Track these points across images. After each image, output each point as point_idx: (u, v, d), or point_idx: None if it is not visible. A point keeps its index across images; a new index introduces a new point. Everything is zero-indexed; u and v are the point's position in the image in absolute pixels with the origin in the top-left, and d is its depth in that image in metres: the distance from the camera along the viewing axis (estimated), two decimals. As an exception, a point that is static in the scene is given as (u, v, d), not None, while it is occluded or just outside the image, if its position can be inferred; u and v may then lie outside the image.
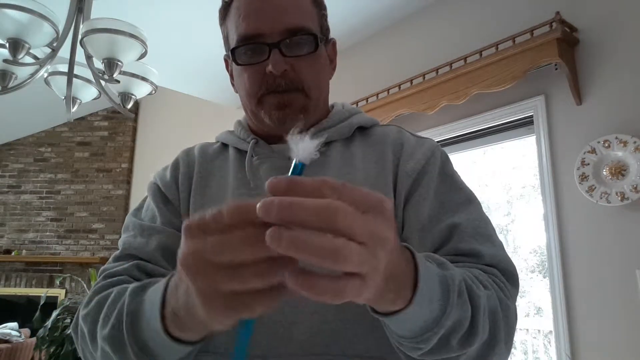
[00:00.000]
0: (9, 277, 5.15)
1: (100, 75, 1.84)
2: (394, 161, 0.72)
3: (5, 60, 1.69)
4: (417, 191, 0.69)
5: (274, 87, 0.70)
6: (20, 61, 1.69)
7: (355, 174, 0.71)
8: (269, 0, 0.70)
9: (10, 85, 1.82)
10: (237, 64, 0.73)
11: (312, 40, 0.71)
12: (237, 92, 0.78)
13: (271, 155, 0.75)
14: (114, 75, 1.79)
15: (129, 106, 2.05)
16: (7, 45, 1.65)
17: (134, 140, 5.21)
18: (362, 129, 0.79)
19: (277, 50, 0.69)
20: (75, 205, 5.20)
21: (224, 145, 0.82)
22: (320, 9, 0.77)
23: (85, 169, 5.20)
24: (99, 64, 1.82)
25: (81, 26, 1.76)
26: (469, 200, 0.70)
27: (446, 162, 0.74)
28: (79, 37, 1.75)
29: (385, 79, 2.82)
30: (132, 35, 1.73)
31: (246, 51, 0.71)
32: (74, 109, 2.03)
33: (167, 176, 0.78)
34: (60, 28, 1.71)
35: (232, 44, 0.73)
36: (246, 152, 0.76)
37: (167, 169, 0.80)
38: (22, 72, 1.81)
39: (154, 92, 2.11)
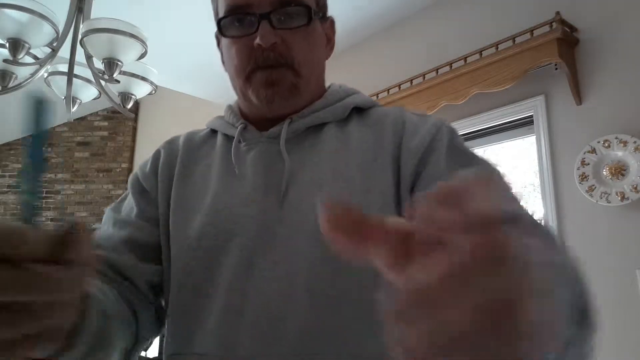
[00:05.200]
0: (9, 277, 5.15)
1: (100, 75, 1.84)
2: (394, 141, 0.66)
3: (5, 60, 1.69)
4: (425, 171, 0.62)
5: (262, 61, 0.65)
6: (20, 61, 1.69)
7: (349, 158, 0.66)
8: None
9: (10, 85, 1.82)
10: (224, 35, 0.68)
11: (305, 13, 0.66)
12: (226, 71, 0.73)
13: (259, 141, 0.70)
14: (114, 75, 1.79)
15: (129, 106, 2.05)
16: (7, 45, 1.66)
17: (134, 140, 5.21)
18: (360, 111, 0.73)
19: (266, 22, 0.64)
20: (75, 205, 5.20)
21: (213, 132, 0.78)
22: None
23: (85, 169, 5.20)
24: (99, 64, 1.82)
25: (81, 26, 1.76)
26: (488, 170, 0.61)
27: (454, 136, 0.67)
28: (79, 37, 1.76)
29: (385, 79, 2.82)
30: (132, 35, 1.73)
31: (233, 22, 0.66)
32: (74, 109, 2.03)
33: (147, 167, 0.75)
34: (60, 28, 1.71)
35: (220, 14, 0.68)
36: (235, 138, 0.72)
37: (149, 160, 0.77)
38: (22, 72, 1.81)
39: (154, 92, 2.11)
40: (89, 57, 1.82)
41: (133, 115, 5.18)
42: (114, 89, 1.99)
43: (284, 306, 0.58)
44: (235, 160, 0.68)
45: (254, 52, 0.65)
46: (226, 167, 0.69)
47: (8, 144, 5.48)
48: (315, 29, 0.69)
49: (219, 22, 0.68)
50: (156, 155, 0.77)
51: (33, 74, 1.81)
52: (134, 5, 2.61)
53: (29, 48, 1.68)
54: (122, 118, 5.20)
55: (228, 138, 0.73)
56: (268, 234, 0.62)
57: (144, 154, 5.09)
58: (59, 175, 5.28)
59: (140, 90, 2.05)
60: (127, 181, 0.77)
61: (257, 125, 0.72)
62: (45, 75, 1.97)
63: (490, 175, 0.22)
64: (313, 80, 0.71)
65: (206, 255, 0.63)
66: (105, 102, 1.96)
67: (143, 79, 2.00)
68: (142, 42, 1.77)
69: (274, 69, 0.65)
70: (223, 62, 0.74)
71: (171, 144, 0.78)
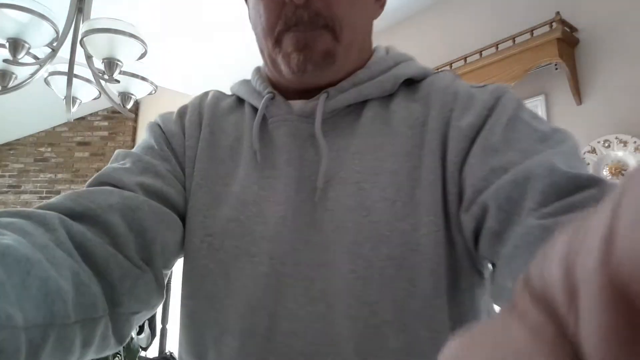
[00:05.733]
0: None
1: (100, 75, 1.84)
2: (443, 117, 0.53)
3: (5, 60, 1.69)
4: (474, 144, 0.49)
5: (294, 20, 0.53)
6: (20, 61, 1.69)
7: (394, 145, 0.53)
8: None
9: (10, 85, 1.82)
10: None
11: None
12: (253, 30, 0.61)
13: (289, 116, 0.58)
14: (114, 75, 1.79)
15: (129, 106, 2.05)
16: (7, 45, 1.65)
17: (134, 140, 5.20)
18: (411, 82, 0.59)
19: None
20: (76, 205, 5.20)
21: (240, 100, 0.66)
22: None
23: (85, 169, 5.20)
24: (99, 64, 1.82)
25: (81, 26, 1.76)
26: (562, 138, 0.46)
27: (519, 106, 0.52)
28: (79, 37, 1.75)
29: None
30: (132, 35, 1.73)
31: None
32: (74, 109, 2.02)
33: (171, 119, 0.64)
34: (60, 28, 1.71)
35: None
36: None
37: (173, 114, 0.65)
38: (21, 72, 1.81)
39: (154, 92, 2.11)
40: (88, 57, 1.81)
41: (133, 116, 5.18)
42: (113, 89, 1.99)
43: (322, 337, 0.48)
44: (255, 142, 0.57)
45: (285, 9, 0.53)
46: (255, 150, 0.58)
47: (8, 143, 5.47)
48: None
49: None
50: (182, 111, 0.65)
51: (33, 74, 1.81)
52: (134, 5, 2.60)
53: (29, 48, 1.68)
54: (122, 118, 5.20)
55: (255, 111, 0.62)
56: (300, 242, 0.52)
57: (144, 154, 5.10)
58: (59, 175, 5.28)
59: (140, 90, 2.05)
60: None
61: (287, 95, 0.60)
62: (45, 75, 1.97)
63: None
64: (356, 45, 0.58)
65: (228, 257, 0.53)
66: (105, 102, 1.96)
67: (143, 78, 2.00)
68: (142, 42, 1.77)
69: (308, 31, 0.53)
70: (250, 19, 0.62)
71: (200, 100, 0.66)
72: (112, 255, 0.45)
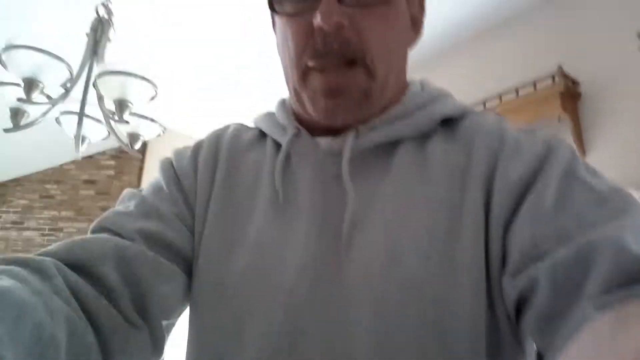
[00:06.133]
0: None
1: (111, 115, 1.87)
2: (488, 164, 0.47)
3: (19, 99, 1.73)
4: (523, 205, 0.44)
5: (323, 51, 0.48)
6: (33, 100, 1.73)
7: (431, 190, 0.48)
8: None
9: (22, 123, 1.85)
10: (275, 11, 0.52)
11: None
12: (280, 59, 0.56)
13: (315, 155, 0.54)
14: (124, 116, 1.82)
15: (137, 147, 2.08)
16: (22, 84, 1.70)
17: (139, 180, 5.24)
18: (448, 121, 0.54)
19: None
20: (77, 243, 5.17)
21: (263, 133, 0.61)
22: None
23: (89, 208, 5.21)
24: (109, 104, 1.85)
25: (95, 68, 1.81)
26: (625, 205, 0.41)
27: (575, 162, 0.46)
28: (92, 78, 1.80)
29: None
30: (143, 78, 1.77)
31: None
32: (82, 148, 2.05)
33: (185, 157, 0.60)
34: (75, 69, 1.76)
35: None
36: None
37: (187, 150, 0.61)
38: (33, 110, 1.85)
39: (162, 133, 2.14)
40: (100, 98, 1.85)
41: (140, 156, 5.23)
42: (122, 129, 2.02)
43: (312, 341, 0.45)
44: (279, 182, 0.53)
45: (313, 37, 0.48)
46: (276, 190, 0.53)
47: (15, 179, 5.52)
48: (397, 9, 0.52)
49: None
50: (197, 148, 0.61)
51: (45, 113, 1.85)
52: (146, 47, 2.68)
53: (43, 88, 1.72)
54: (129, 157, 5.25)
55: (278, 147, 0.57)
56: (321, 295, 0.46)
57: (148, 193, 5.12)
58: (63, 213, 5.29)
59: (149, 132, 2.08)
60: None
61: (313, 130, 0.56)
62: (57, 114, 2.01)
63: None
64: (391, 79, 0.53)
65: (241, 310, 0.48)
66: (113, 141, 1.99)
67: (152, 120, 2.03)
68: (154, 84, 1.81)
69: (339, 71, 0.49)
70: (277, 47, 0.57)
71: (217, 137, 0.62)
72: (104, 307, 0.43)
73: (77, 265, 0.44)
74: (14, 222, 5.40)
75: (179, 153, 0.62)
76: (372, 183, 0.50)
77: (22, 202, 5.46)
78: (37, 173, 5.49)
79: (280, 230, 0.51)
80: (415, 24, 0.57)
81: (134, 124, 2.02)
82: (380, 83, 0.51)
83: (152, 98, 1.89)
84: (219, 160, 0.58)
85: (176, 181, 0.57)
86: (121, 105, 1.79)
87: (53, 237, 5.25)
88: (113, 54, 1.88)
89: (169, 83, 2.93)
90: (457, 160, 0.49)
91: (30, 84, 1.70)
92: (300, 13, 0.49)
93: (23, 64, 1.67)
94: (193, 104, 3.41)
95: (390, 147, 0.52)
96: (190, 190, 0.57)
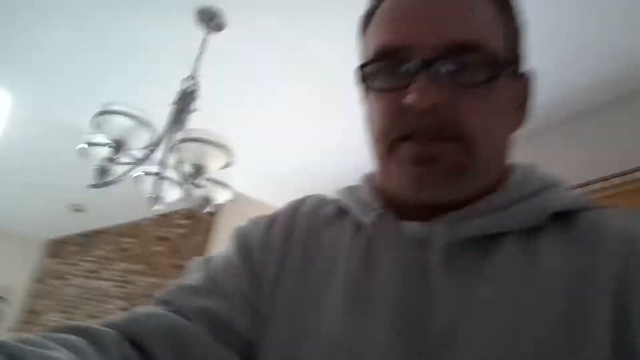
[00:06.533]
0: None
1: (186, 178, 1.95)
2: (613, 274, 0.40)
3: (106, 159, 1.85)
4: None
5: (414, 129, 0.44)
6: (118, 160, 1.84)
7: (541, 300, 0.40)
8: (431, 1, 0.45)
9: (106, 180, 1.97)
10: (367, 86, 0.49)
11: (488, 64, 0.44)
12: (367, 132, 0.52)
13: (400, 242, 0.48)
14: (199, 181, 1.89)
15: (209, 210, 2.14)
16: (111, 145, 1.82)
17: (206, 241, 5.37)
18: (560, 215, 0.46)
19: (425, 73, 0.42)
20: (145, 298, 5.31)
21: (343, 209, 0.56)
22: (510, 21, 0.48)
23: (159, 263, 5.38)
24: (186, 168, 1.94)
25: (177, 134, 1.92)
26: None
27: None
28: (173, 143, 1.90)
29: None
30: (221, 146, 1.85)
31: (381, 69, 0.47)
32: (157, 207, 2.14)
33: (258, 230, 0.56)
34: (158, 133, 1.87)
35: (367, 57, 0.48)
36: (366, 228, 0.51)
37: (262, 222, 0.58)
38: (117, 168, 1.97)
39: (232, 199, 2.19)
40: (178, 162, 1.94)
41: (210, 218, 5.39)
42: (196, 192, 2.09)
43: None
44: (358, 270, 0.48)
45: (404, 115, 0.44)
46: (353, 278, 0.48)
47: (97, 231, 5.86)
48: (501, 90, 0.46)
49: (361, 68, 0.48)
50: (271, 221, 0.57)
51: (127, 172, 1.95)
52: (228, 115, 2.82)
53: (129, 149, 1.84)
54: (200, 218, 5.43)
55: (359, 229, 0.52)
56: None
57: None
58: (134, 266, 5.49)
59: (221, 197, 2.15)
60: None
61: (400, 210, 0.49)
62: (137, 173, 2.13)
63: None
64: (492, 164, 0.48)
65: None
66: (187, 202, 2.07)
67: (225, 186, 2.10)
68: (230, 154, 1.88)
69: (432, 142, 0.44)
70: (365, 118, 0.53)
71: (293, 211, 0.58)
72: None
73: (134, 340, 0.44)
74: (91, 271, 5.68)
75: (252, 224, 0.58)
76: (467, 282, 0.43)
77: (100, 252, 5.75)
78: (116, 226, 5.80)
79: (355, 328, 0.45)
80: (521, 108, 0.52)
81: (208, 188, 2.09)
82: (477, 162, 0.45)
83: (227, 165, 1.96)
84: (293, 237, 0.54)
85: (246, 255, 0.54)
86: (197, 169, 1.86)
87: (124, 289, 5.44)
88: (195, 119, 1.98)
89: (245, 149, 3.04)
90: (573, 263, 0.41)
91: (119, 145, 1.82)
92: (393, 89, 0.45)
93: (115, 127, 1.80)
94: (266, 171, 3.49)
95: (489, 241, 0.45)
96: (260, 266, 0.53)
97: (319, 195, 0.60)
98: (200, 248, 5.33)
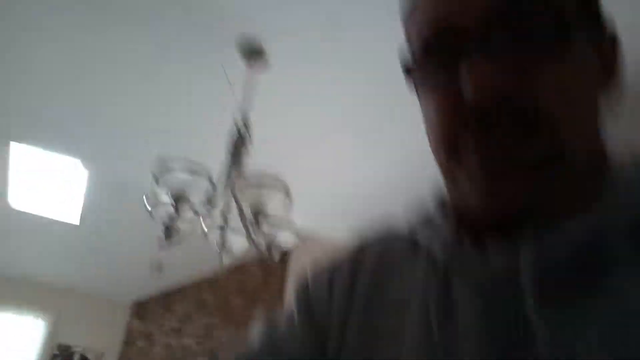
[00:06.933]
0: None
1: (250, 226, 1.93)
2: None
3: (170, 217, 1.87)
4: None
5: (478, 126, 0.35)
6: (182, 216, 1.86)
7: None
8: None
9: (174, 238, 1.99)
10: (414, 83, 0.42)
11: (556, 22, 0.35)
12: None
13: (482, 274, 0.38)
14: (261, 227, 1.87)
15: (277, 255, 2.11)
16: (173, 204, 1.85)
17: (281, 290, 5.34)
18: None
19: (477, 52, 0.34)
20: (225, 352, 5.31)
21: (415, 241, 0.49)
22: None
23: (239, 314, 5.40)
24: (247, 214, 1.93)
25: (236, 182, 1.92)
26: None
27: None
28: (234, 193, 1.91)
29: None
30: (279, 188, 1.83)
31: (428, 62, 0.39)
32: (227, 260, 2.13)
33: (319, 279, 0.51)
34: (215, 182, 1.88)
35: (412, 53, 0.41)
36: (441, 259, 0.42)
37: (324, 269, 0.53)
38: (182, 225, 1.99)
39: (298, 242, 2.15)
40: (240, 210, 1.93)
41: (279, 264, 5.38)
42: (261, 239, 2.08)
43: None
44: (435, 312, 0.39)
45: (463, 112, 0.36)
46: (429, 329, 0.39)
47: (178, 288, 6.00)
48: (578, 52, 0.36)
49: (408, 65, 0.41)
50: (335, 268, 0.52)
51: (194, 228, 1.97)
52: (283, 155, 2.81)
53: (190, 204, 1.85)
54: (272, 265, 5.43)
55: (434, 264, 0.42)
56: None
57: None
58: (215, 320, 5.54)
59: (286, 241, 2.12)
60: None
61: (478, 227, 0.40)
62: (202, 227, 2.14)
63: None
64: (585, 147, 0.36)
65: None
66: (257, 251, 2.06)
67: (288, 229, 2.07)
68: (289, 195, 1.85)
69: (504, 136, 0.34)
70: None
71: (359, 251, 0.51)
72: None
73: None
74: (174, 329, 5.79)
75: (315, 274, 0.53)
76: (574, 317, 0.33)
77: (182, 310, 5.87)
78: (196, 282, 5.92)
79: None
80: (612, 73, 0.40)
81: (272, 233, 2.07)
82: (566, 150, 0.35)
83: (287, 204, 1.94)
84: (359, 284, 0.48)
85: (308, 310, 0.50)
86: (257, 214, 1.84)
87: (206, 345, 5.48)
88: (253, 165, 1.98)
89: (308, 189, 3.01)
90: None
91: (179, 200, 1.84)
92: (446, 84, 0.37)
93: (174, 182, 1.83)
94: (327, 204, 3.44)
95: (595, 251, 0.34)
96: (323, 320, 0.48)
97: (386, 227, 0.52)
98: (277, 294, 5.32)
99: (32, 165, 3.64)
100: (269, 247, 2.06)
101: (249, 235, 2.03)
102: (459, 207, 0.42)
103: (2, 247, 5.03)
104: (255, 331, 0.70)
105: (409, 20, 0.42)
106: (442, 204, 0.45)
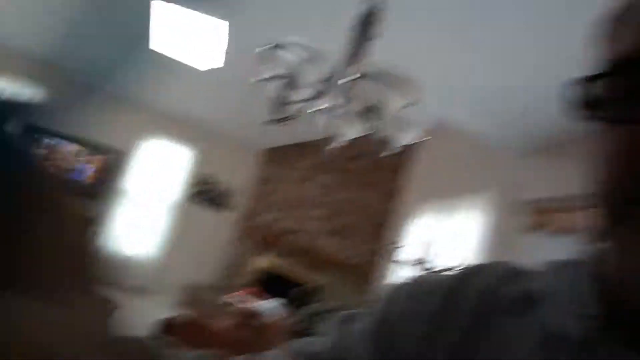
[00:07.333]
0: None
1: (366, 118, 1.78)
2: None
3: (281, 94, 1.76)
4: None
5: None
6: (294, 97, 1.75)
7: None
8: None
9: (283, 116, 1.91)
10: (594, 113, 0.33)
11: None
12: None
13: None
14: (378, 121, 1.72)
15: (392, 151, 1.97)
16: (287, 79, 1.72)
17: (404, 174, 5.20)
18: None
19: None
20: (348, 215, 5.51)
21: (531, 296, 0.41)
22: None
23: (356, 181, 5.49)
24: (365, 106, 1.77)
25: (357, 68, 1.72)
26: None
27: None
28: (353, 77, 1.71)
29: None
30: (404, 82, 1.61)
31: (619, 88, 0.31)
32: (337, 144, 2.02)
33: (409, 302, 0.44)
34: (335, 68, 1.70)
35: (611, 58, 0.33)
36: (574, 339, 0.34)
37: (416, 294, 0.45)
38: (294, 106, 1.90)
39: (422, 139, 1.97)
40: (357, 98, 1.77)
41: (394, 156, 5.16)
42: (377, 134, 1.93)
43: None
44: None
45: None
46: None
47: (305, 142, 6.16)
48: None
49: (589, 81, 0.33)
50: (426, 295, 0.44)
51: (304, 108, 1.86)
52: (412, 50, 2.51)
53: (304, 84, 1.73)
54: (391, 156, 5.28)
55: (552, 337, 0.35)
56: None
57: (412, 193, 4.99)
58: (333, 180, 5.72)
59: (406, 137, 1.94)
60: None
61: (632, 318, 0.32)
62: (320, 108, 2.02)
63: None
64: None
65: None
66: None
67: (409, 125, 1.87)
68: (415, 91, 1.63)
69: None
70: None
71: (461, 284, 0.43)
72: None
73: None
74: (301, 178, 6.10)
75: (407, 292, 0.46)
76: None
77: (306, 163, 6.11)
78: (321, 140, 6.00)
79: None
80: None
81: (391, 125, 1.90)
82: None
83: (413, 103, 1.72)
84: (451, 319, 0.41)
85: (384, 334, 0.44)
86: (376, 110, 1.67)
87: (324, 199, 5.75)
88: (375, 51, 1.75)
89: (440, 82, 2.68)
90: None
91: (293, 80, 1.72)
92: (636, 120, 0.29)
93: (290, 59, 1.69)
94: (459, 94, 3.08)
95: None
96: (398, 347, 0.43)
97: (504, 265, 0.44)
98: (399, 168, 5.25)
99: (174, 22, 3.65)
100: (383, 144, 1.92)
101: (367, 123, 1.89)
102: (612, 284, 0.34)
103: (160, 87, 5.40)
104: (329, 325, 0.63)
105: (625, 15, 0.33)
106: (591, 271, 0.36)
